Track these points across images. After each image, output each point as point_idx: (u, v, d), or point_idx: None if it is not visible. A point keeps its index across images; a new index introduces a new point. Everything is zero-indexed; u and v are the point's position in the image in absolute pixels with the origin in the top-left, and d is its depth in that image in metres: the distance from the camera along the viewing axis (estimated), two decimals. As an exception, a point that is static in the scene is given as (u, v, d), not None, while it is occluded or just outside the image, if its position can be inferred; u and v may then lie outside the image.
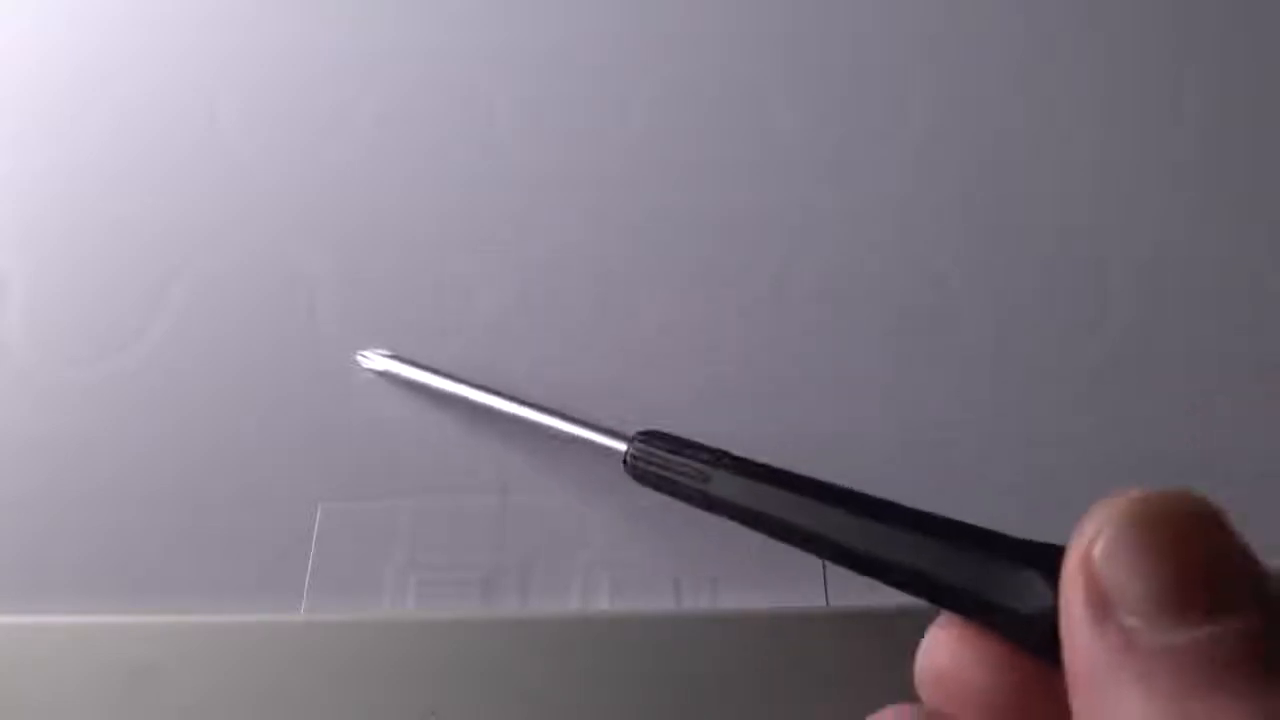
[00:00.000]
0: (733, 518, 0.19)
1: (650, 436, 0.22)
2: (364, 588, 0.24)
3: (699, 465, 0.20)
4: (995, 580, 0.15)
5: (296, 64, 0.33)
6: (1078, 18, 0.33)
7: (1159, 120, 0.31)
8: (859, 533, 0.17)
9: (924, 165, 0.30)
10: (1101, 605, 0.12)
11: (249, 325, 0.28)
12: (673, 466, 0.21)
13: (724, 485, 0.19)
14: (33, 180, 0.31)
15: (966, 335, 0.27)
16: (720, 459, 0.20)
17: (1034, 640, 0.14)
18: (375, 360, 0.27)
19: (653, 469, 0.21)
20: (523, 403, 0.24)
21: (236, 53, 0.33)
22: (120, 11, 0.34)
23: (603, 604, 0.24)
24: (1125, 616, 0.11)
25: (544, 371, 0.27)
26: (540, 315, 0.28)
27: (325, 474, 0.26)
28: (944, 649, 0.15)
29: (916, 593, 0.16)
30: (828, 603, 0.23)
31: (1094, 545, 0.12)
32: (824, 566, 0.23)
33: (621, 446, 0.22)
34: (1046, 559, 0.14)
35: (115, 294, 0.29)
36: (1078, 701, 0.12)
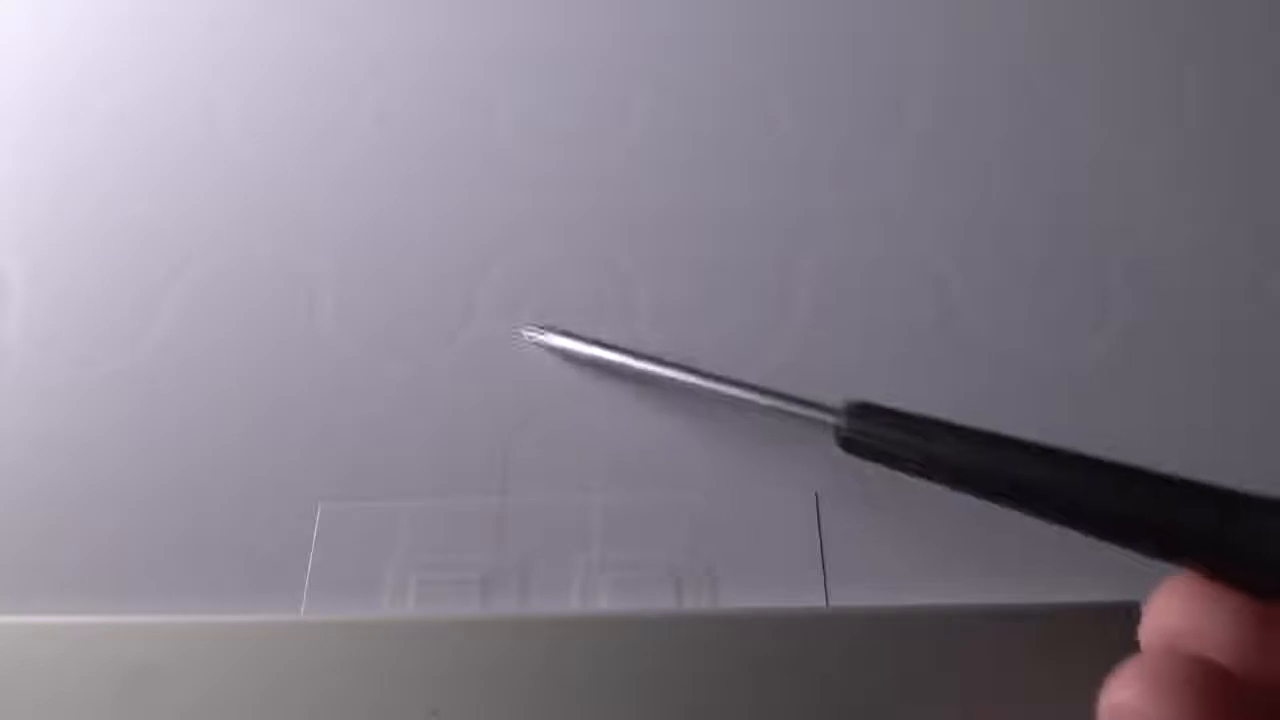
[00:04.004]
0: (957, 484, 0.19)
1: (862, 408, 0.21)
2: (364, 588, 0.24)
3: (916, 437, 0.20)
4: (1242, 530, 0.15)
5: (296, 64, 0.33)
6: (1078, 18, 0.33)
7: (1159, 120, 0.31)
8: (1096, 491, 0.17)
9: (924, 165, 0.30)
10: None
11: (249, 325, 0.28)
12: (890, 437, 0.20)
13: (948, 450, 0.19)
14: (33, 180, 0.31)
15: (966, 335, 0.27)
16: (939, 426, 0.20)
17: None
18: (544, 336, 0.27)
19: (869, 440, 0.21)
20: (724, 379, 0.24)
21: (236, 53, 0.33)
22: (120, 11, 0.34)
23: (603, 604, 0.24)
24: None
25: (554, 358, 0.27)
26: (541, 314, 0.28)
27: (325, 474, 0.26)
28: (1179, 608, 0.15)
29: (1155, 549, 0.16)
30: (828, 603, 0.23)
31: None
32: (823, 566, 0.23)
33: (830, 419, 0.22)
34: None
35: (115, 294, 0.29)
36: None
